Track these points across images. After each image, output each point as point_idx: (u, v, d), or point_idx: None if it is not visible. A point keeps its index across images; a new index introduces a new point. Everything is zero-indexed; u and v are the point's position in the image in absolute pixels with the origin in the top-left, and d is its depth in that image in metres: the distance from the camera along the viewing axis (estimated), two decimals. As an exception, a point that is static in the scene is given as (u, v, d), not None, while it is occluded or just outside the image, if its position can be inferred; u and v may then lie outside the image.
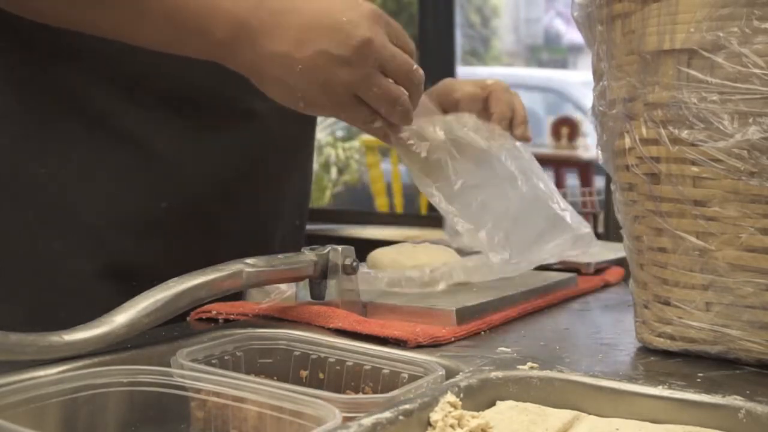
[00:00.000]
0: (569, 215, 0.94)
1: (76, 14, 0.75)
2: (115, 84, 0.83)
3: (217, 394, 0.55)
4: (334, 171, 6.24)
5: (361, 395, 0.63)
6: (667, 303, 0.68)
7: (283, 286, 0.81)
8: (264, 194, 0.87)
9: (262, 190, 0.86)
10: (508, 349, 0.69)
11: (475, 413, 0.53)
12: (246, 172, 0.84)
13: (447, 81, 1.05)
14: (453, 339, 0.72)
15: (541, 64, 11.63)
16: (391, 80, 0.76)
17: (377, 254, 0.93)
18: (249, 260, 0.72)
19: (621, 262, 1.02)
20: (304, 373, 0.67)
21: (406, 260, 0.89)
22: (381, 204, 4.40)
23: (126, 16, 0.75)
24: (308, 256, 0.76)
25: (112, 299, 0.81)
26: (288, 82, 0.74)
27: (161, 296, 0.65)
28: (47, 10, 0.76)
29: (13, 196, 0.83)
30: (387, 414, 0.49)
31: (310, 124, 1.02)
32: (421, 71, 0.78)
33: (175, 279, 0.67)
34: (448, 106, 1.02)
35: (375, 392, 0.63)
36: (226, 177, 0.88)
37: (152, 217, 0.86)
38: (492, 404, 0.57)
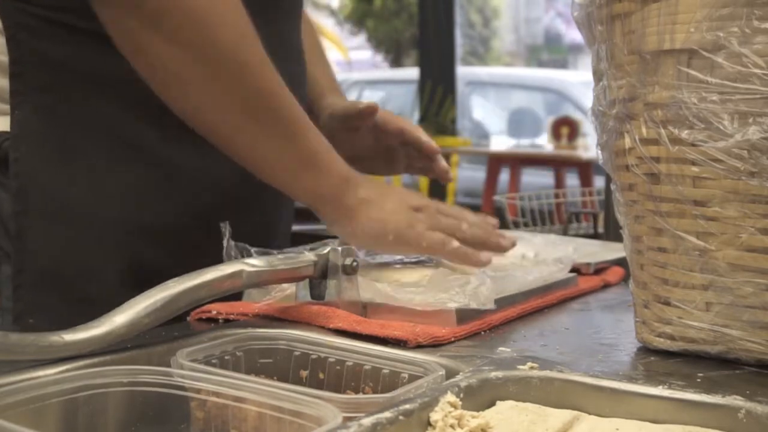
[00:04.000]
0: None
1: (234, 132, 0.87)
2: (144, 111, 0.89)
3: (217, 394, 0.55)
4: (334, 171, 6.23)
5: (361, 395, 0.63)
6: (667, 303, 0.68)
7: (282, 284, 0.81)
8: (266, 204, 0.96)
9: (266, 200, 0.94)
10: (508, 349, 0.69)
11: (475, 413, 0.53)
12: (253, 184, 0.90)
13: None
14: (453, 339, 0.72)
15: (541, 64, 11.65)
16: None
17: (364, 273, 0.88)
18: (249, 260, 0.72)
19: (621, 262, 1.02)
20: (304, 373, 0.67)
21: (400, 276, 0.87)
22: (381, 204, 4.39)
23: (273, 146, 0.87)
24: (308, 256, 0.76)
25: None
26: (380, 217, 0.89)
27: (161, 296, 0.65)
28: (210, 127, 0.87)
29: (44, 214, 0.89)
30: (387, 414, 0.49)
31: None
32: (471, 221, 0.94)
33: (175, 279, 0.67)
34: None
35: (375, 392, 0.63)
36: (237, 189, 0.95)
37: (172, 228, 0.92)
38: (492, 404, 0.57)
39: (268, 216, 1.01)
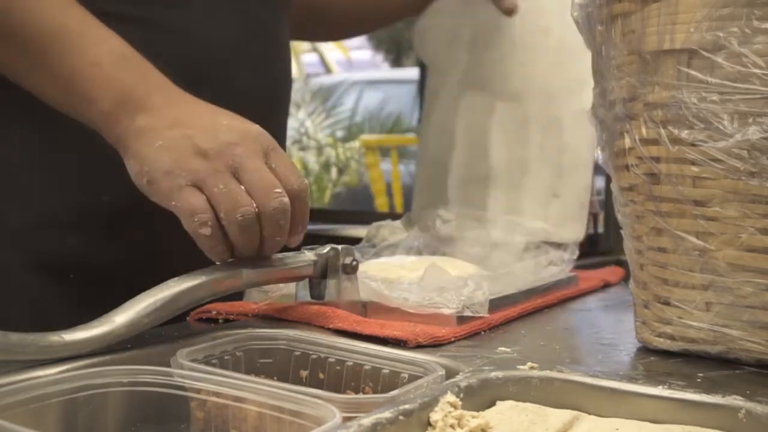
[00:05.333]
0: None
1: None
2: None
3: (217, 394, 0.55)
4: (334, 171, 6.24)
5: (361, 395, 0.63)
6: (667, 303, 0.68)
7: (281, 284, 0.81)
8: None
9: None
10: (508, 349, 0.69)
11: (475, 413, 0.53)
12: None
13: None
14: (453, 339, 0.72)
15: (541, 64, 11.61)
16: (243, 188, 0.69)
17: (367, 267, 0.87)
18: (249, 260, 0.72)
19: (621, 262, 1.02)
20: (304, 373, 0.67)
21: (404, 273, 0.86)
22: (381, 204, 4.41)
23: (24, 66, 0.76)
24: (308, 256, 0.76)
25: (45, 292, 0.84)
26: (143, 154, 0.71)
27: (161, 296, 0.65)
28: None
29: None
30: (387, 414, 0.49)
31: (270, 121, 0.99)
32: (286, 204, 0.70)
33: (175, 279, 0.67)
34: None
35: (375, 392, 0.63)
36: None
37: (87, 212, 0.85)
38: (492, 404, 0.57)
39: None
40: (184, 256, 0.72)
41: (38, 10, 0.74)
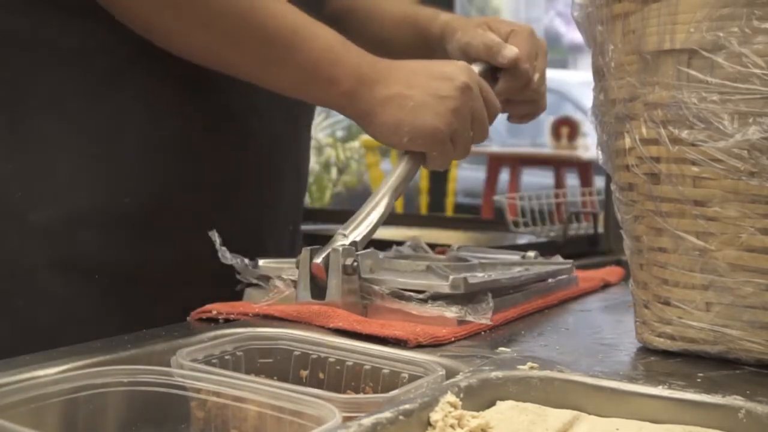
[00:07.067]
0: None
1: (219, 58, 0.84)
2: (88, 79, 0.84)
3: (217, 394, 0.55)
4: (334, 171, 6.24)
5: (361, 395, 0.63)
6: (667, 303, 0.68)
7: (281, 286, 0.81)
8: (252, 195, 0.90)
9: (250, 191, 0.90)
10: (508, 349, 0.69)
11: (475, 413, 0.53)
12: (229, 173, 0.87)
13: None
14: (453, 339, 0.72)
15: (541, 64, 11.60)
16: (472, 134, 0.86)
17: None
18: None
19: (621, 262, 1.02)
20: (304, 373, 0.67)
21: None
22: (381, 204, 4.39)
23: (264, 62, 0.83)
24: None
25: (71, 290, 0.84)
26: (399, 117, 0.83)
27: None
28: (197, 50, 0.83)
29: None
30: (387, 414, 0.49)
31: (300, 125, 1.02)
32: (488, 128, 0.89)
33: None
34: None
35: (375, 392, 0.63)
36: (206, 177, 0.90)
37: (114, 213, 0.85)
38: (492, 404, 0.57)
39: (254, 210, 0.95)
40: (211, 258, 0.74)
41: (274, 8, 0.82)
